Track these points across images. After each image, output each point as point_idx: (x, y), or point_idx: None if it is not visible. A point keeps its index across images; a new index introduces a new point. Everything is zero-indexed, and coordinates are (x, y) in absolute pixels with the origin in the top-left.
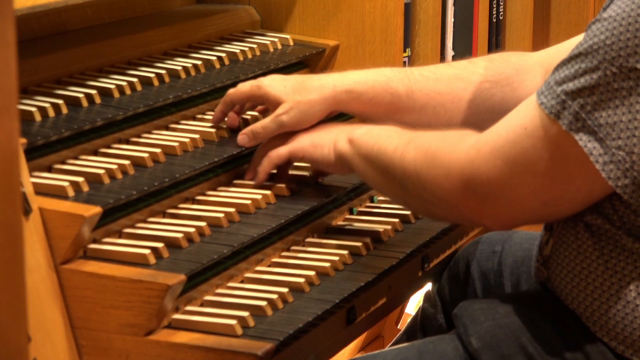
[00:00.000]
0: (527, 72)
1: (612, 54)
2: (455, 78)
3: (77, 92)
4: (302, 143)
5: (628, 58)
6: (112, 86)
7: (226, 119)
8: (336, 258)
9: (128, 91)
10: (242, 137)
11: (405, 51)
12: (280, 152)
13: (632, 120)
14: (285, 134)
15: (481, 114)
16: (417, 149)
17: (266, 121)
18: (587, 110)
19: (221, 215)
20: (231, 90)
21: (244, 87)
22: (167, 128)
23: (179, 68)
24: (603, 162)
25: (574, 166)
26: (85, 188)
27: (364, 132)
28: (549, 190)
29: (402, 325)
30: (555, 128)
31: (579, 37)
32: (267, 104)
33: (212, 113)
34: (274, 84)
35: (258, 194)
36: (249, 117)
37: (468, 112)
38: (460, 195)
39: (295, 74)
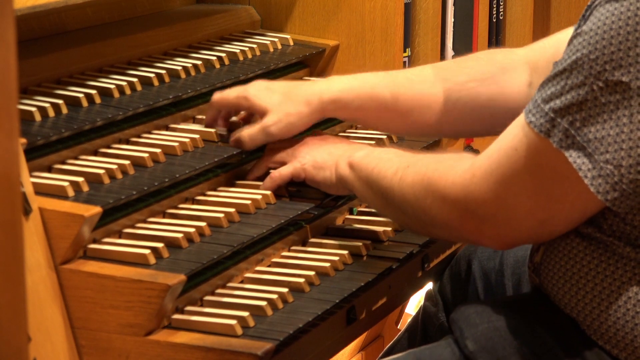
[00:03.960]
0: (514, 70)
1: (597, 68)
2: (440, 79)
3: (77, 92)
4: (305, 164)
5: (613, 72)
6: (112, 86)
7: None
8: (336, 258)
9: (128, 91)
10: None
11: (405, 51)
12: (283, 172)
13: (620, 133)
14: (288, 144)
15: (468, 114)
16: (416, 174)
17: (254, 131)
18: (577, 127)
19: (221, 215)
20: (217, 97)
21: (230, 95)
22: (167, 128)
23: (179, 68)
24: (592, 177)
25: (566, 183)
26: (85, 188)
27: (365, 155)
28: (544, 209)
29: (402, 325)
30: (545, 146)
31: (566, 32)
32: (254, 114)
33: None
34: (260, 95)
35: (258, 194)
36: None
37: (455, 112)
38: (458, 219)
39: (295, 74)
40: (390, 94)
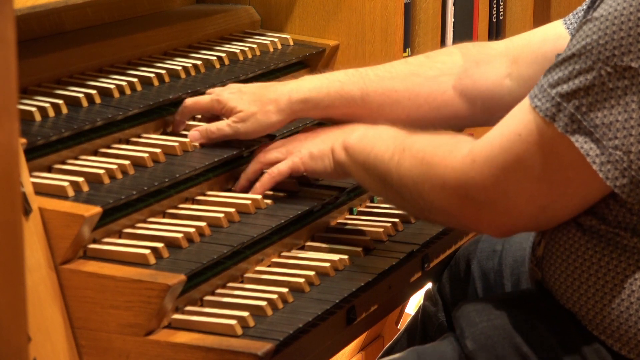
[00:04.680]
0: (488, 63)
1: (606, 53)
2: (410, 74)
3: (77, 92)
4: (302, 157)
5: (622, 57)
6: (112, 86)
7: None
8: (336, 258)
9: (128, 91)
10: (194, 134)
11: (405, 51)
12: (281, 168)
13: (629, 119)
14: (279, 144)
15: (440, 109)
16: (413, 158)
17: (222, 124)
18: (583, 112)
19: (221, 215)
20: (189, 102)
21: (204, 100)
22: (167, 128)
23: (179, 68)
24: (600, 163)
25: (570, 169)
26: (85, 188)
27: (359, 138)
28: (546, 196)
29: (402, 325)
30: (550, 131)
31: (553, 25)
32: (226, 116)
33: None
34: (232, 97)
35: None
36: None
37: (426, 107)
38: (457, 205)
39: (295, 74)
40: (360, 91)
